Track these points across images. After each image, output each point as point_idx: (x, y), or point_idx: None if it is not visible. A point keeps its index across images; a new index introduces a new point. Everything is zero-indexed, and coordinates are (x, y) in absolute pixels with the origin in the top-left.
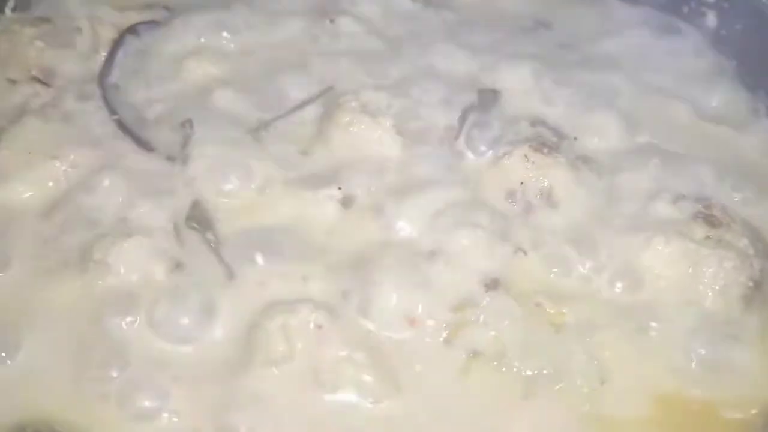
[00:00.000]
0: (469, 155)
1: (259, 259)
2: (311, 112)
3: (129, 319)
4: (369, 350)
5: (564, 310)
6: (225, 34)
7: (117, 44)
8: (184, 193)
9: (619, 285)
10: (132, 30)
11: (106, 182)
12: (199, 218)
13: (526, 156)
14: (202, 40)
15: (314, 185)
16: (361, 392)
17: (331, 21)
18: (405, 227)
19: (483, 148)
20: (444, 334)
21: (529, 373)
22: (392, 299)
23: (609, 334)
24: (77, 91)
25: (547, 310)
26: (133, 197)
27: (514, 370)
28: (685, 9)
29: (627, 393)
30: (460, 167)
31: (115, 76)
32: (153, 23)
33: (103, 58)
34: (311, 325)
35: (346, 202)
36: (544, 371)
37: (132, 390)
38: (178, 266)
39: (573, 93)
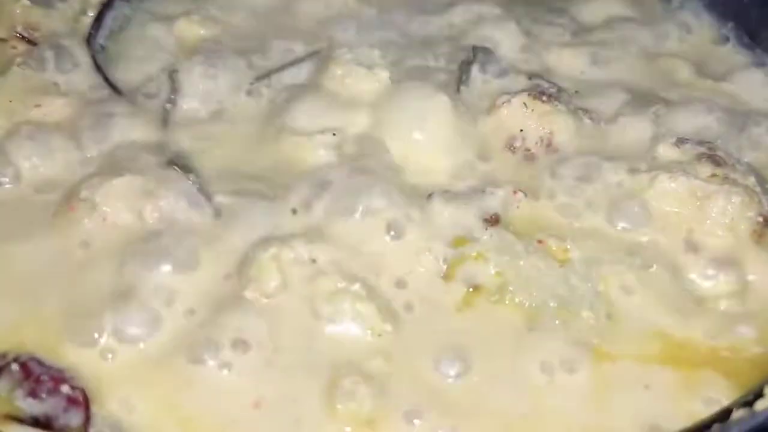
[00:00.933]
0: (468, 103)
1: (247, 199)
2: (303, 71)
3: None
4: (366, 283)
5: (568, 246)
6: None
7: (105, 7)
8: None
9: (623, 223)
10: None
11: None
12: (181, 161)
13: (525, 104)
14: (192, 3)
15: (308, 131)
16: (360, 324)
17: None
18: (401, 165)
19: (481, 98)
20: (443, 269)
21: (533, 305)
22: (387, 232)
23: (614, 269)
24: (63, 50)
25: (551, 246)
26: (114, 141)
27: (517, 302)
28: None
29: (632, 329)
30: (458, 115)
31: (102, 38)
32: None
33: (90, 20)
34: (305, 257)
35: (341, 146)
36: (551, 304)
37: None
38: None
39: (571, 53)
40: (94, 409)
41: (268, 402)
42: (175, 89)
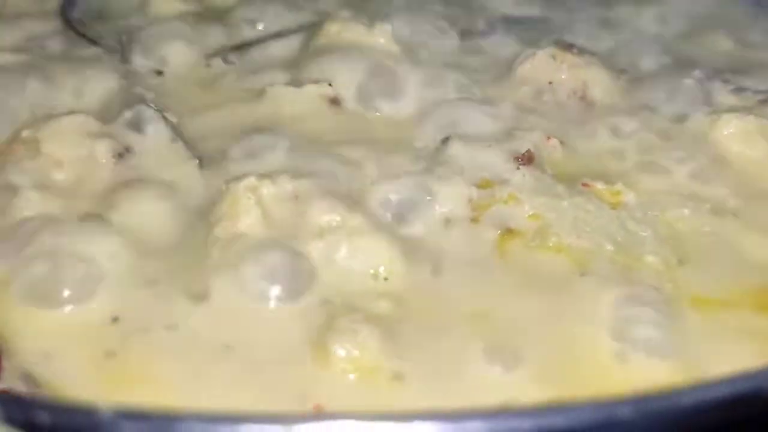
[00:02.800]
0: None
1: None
2: (295, 39)
3: None
4: (370, 219)
5: (619, 189)
6: None
7: None
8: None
9: (682, 166)
10: None
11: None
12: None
13: (553, 56)
14: None
15: (299, 83)
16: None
17: None
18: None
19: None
20: (467, 211)
21: (584, 247)
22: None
23: (680, 213)
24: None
25: (599, 188)
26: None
27: (564, 245)
28: None
29: (710, 274)
30: (476, 67)
31: (79, 12)
32: None
33: None
34: (290, 192)
35: (336, 101)
36: (607, 247)
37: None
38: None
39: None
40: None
41: (241, 347)
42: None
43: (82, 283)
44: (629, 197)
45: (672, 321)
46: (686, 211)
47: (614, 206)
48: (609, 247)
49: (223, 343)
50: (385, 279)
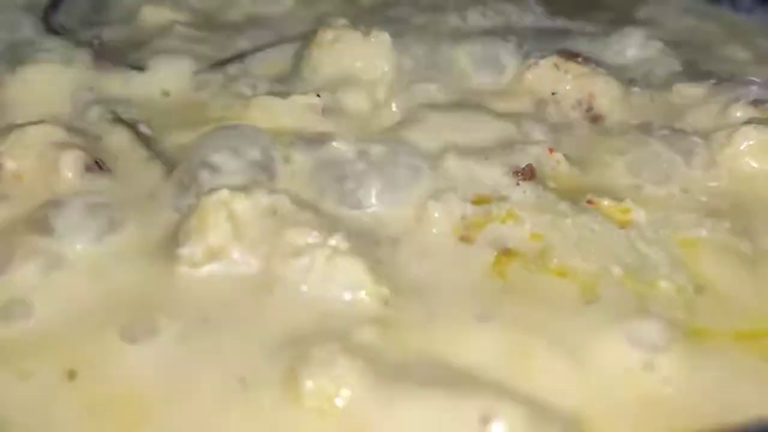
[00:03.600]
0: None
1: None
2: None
3: None
4: (353, 241)
5: (629, 206)
6: None
7: None
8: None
9: (699, 180)
10: None
11: None
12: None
13: (556, 65)
14: None
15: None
16: (344, 287)
17: None
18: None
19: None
20: (460, 230)
21: (590, 271)
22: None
23: (695, 232)
24: None
25: (605, 206)
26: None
27: (567, 268)
28: None
29: (732, 304)
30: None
31: (62, 19)
32: None
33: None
34: (265, 206)
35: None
36: (614, 270)
37: None
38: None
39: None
40: None
41: (203, 384)
42: None
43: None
44: (639, 215)
45: (689, 360)
46: (703, 231)
47: (623, 225)
48: (617, 270)
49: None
50: (367, 304)
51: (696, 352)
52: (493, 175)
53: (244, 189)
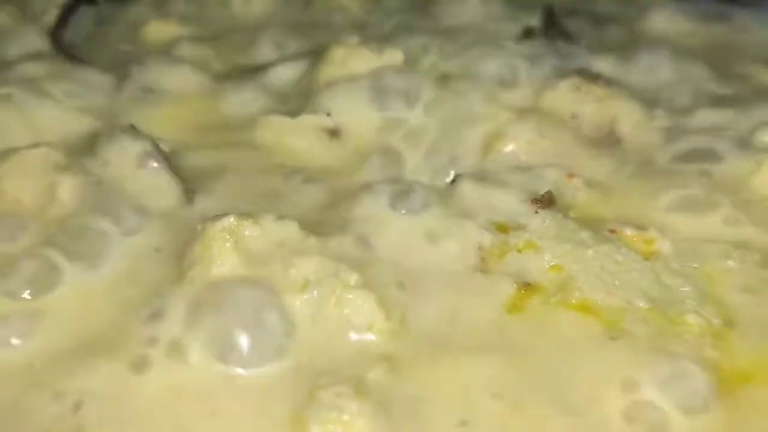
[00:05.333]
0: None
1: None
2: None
3: None
4: (363, 271)
5: (653, 236)
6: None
7: (69, 8)
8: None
9: (726, 209)
10: None
11: None
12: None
13: (577, 87)
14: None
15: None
16: (351, 321)
17: None
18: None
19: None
20: (477, 262)
21: (614, 306)
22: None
23: (723, 264)
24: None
25: (628, 235)
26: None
27: (590, 302)
28: None
29: (764, 341)
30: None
31: (68, 36)
32: None
33: (54, 17)
34: (275, 235)
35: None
36: (639, 304)
37: None
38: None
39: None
40: None
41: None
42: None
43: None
44: (664, 245)
45: (719, 401)
46: (731, 263)
47: (647, 256)
48: (642, 304)
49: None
50: (378, 341)
51: (731, 397)
52: (511, 203)
53: (251, 216)
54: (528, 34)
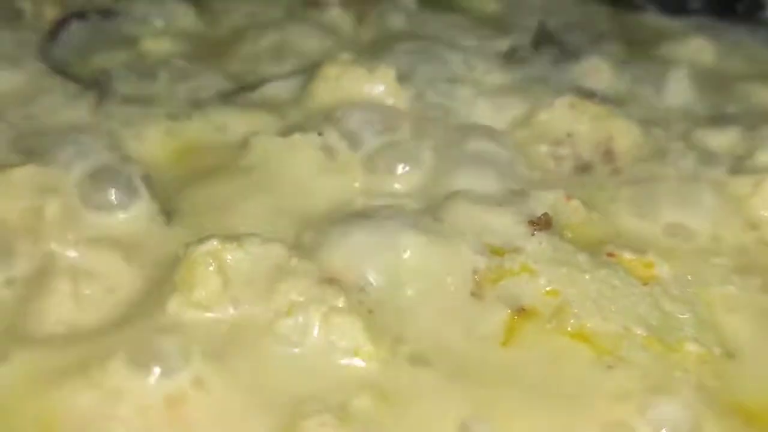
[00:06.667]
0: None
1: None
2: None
3: None
4: (349, 296)
5: (652, 260)
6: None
7: (61, 25)
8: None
9: (726, 232)
10: (79, 15)
11: None
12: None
13: (572, 105)
14: (162, 22)
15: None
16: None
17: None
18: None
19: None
20: (470, 286)
21: (611, 333)
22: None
23: (723, 290)
24: None
25: (627, 259)
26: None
27: (587, 329)
28: None
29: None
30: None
31: (59, 53)
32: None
33: (45, 33)
34: (258, 252)
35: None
36: (636, 331)
37: None
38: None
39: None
40: None
41: None
42: None
43: None
44: (663, 270)
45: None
46: (732, 288)
47: (645, 281)
48: (640, 331)
49: None
50: (364, 368)
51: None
52: (506, 225)
53: (236, 239)
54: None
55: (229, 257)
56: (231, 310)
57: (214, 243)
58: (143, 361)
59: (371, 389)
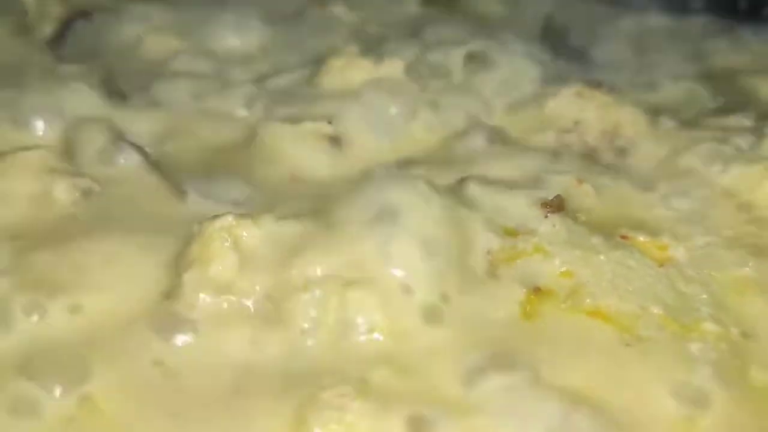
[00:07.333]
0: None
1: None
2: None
3: None
4: (367, 273)
5: (666, 242)
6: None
7: (65, 25)
8: None
9: (740, 215)
10: (83, 14)
11: None
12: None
13: (579, 93)
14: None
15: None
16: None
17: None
18: None
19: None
20: (486, 266)
21: (627, 312)
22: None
23: (739, 271)
24: None
25: (641, 241)
26: None
27: (603, 308)
28: None
29: None
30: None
31: (65, 51)
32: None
33: (50, 32)
34: (273, 229)
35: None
36: (654, 311)
37: None
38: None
39: None
40: None
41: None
42: None
43: None
44: (678, 252)
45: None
46: (747, 270)
47: (660, 262)
48: (657, 310)
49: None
50: (383, 342)
51: (746, 409)
52: (519, 207)
53: (250, 215)
54: None
55: (244, 233)
56: (247, 286)
57: (229, 219)
58: None
59: (389, 362)
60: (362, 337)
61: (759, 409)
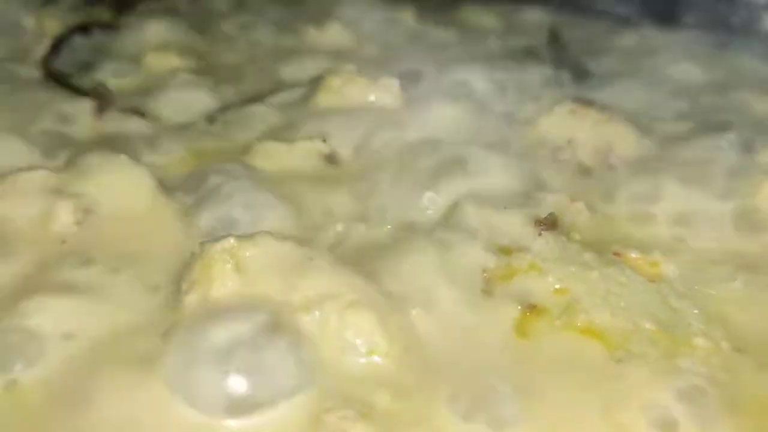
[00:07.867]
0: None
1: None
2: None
3: None
4: (363, 291)
5: (657, 259)
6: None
7: (63, 39)
8: None
9: (729, 231)
10: (82, 29)
11: None
12: None
13: (572, 111)
14: (166, 37)
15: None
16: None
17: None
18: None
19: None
20: (482, 284)
21: (620, 327)
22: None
23: (729, 287)
24: None
25: (633, 258)
26: None
27: (596, 323)
28: None
29: None
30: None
31: (61, 64)
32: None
33: (47, 47)
34: (274, 250)
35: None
36: (646, 326)
37: None
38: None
39: None
40: None
41: None
42: None
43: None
44: (669, 268)
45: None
46: (737, 285)
47: (652, 279)
48: (649, 326)
49: None
50: (379, 365)
51: (738, 424)
52: (513, 225)
53: (251, 237)
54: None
55: (246, 254)
56: (248, 307)
57: (231, 240)
58: None
59: (390, 384)
60: (362, 359)
61: (751, 424)
